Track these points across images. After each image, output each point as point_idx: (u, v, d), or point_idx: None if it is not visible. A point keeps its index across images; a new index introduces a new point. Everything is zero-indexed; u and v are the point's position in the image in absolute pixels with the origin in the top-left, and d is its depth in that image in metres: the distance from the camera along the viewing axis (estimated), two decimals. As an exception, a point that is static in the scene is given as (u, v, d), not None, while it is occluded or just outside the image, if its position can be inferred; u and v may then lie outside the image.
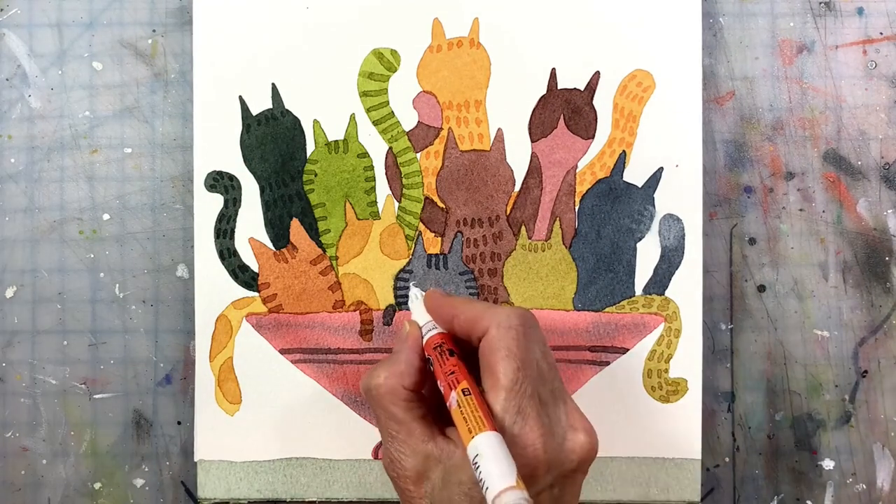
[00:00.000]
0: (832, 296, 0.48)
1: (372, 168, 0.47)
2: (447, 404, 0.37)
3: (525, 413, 0.36)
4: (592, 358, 0.47)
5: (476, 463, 0.33)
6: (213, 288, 0.46)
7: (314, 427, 0.47)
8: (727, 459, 0.48)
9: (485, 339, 0.37)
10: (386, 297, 0.47)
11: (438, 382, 0.38)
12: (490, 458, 0.33)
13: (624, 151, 0.47)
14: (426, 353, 0.39)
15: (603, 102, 0.47)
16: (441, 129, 0.47)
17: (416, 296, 0.42)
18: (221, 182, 0.46)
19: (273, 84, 0.47)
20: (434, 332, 0.40)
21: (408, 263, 0.47)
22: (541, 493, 0.36)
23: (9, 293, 0.47)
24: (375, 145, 0.47)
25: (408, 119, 0.47)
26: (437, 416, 0.39)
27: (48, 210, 0.47)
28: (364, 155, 0.47)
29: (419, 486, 0.37)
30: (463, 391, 0.36)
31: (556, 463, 0.36)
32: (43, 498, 0.48)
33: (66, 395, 0.47)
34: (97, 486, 0.48)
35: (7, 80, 0.47)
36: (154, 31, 0.47)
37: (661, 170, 0.47)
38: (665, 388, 0.47)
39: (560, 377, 0.39)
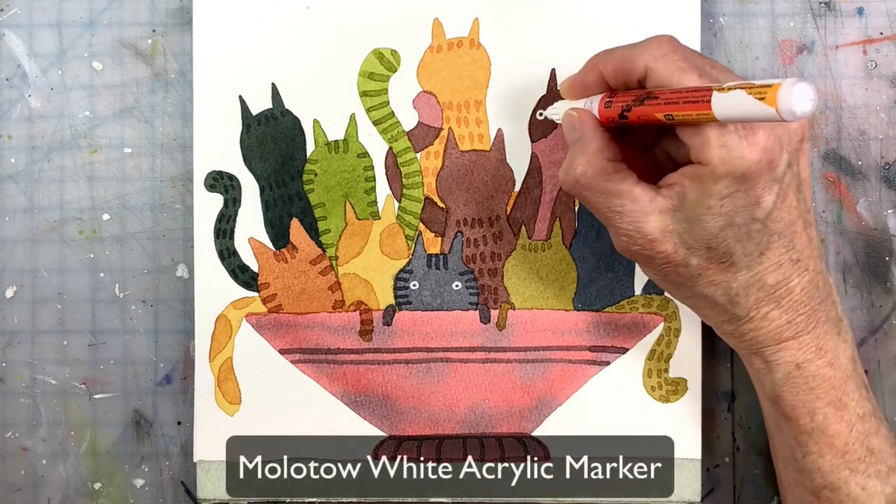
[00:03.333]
0: (832, 296, 0.48)
1: (372, 168, 0.47)
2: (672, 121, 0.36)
3: None
4: (592, 358, 0.47)
5: (734, 105, 0.33)
6: (213, 288, 0.46)
7: (314, 427, 0.47)
8: (727, 459, 0.48)
9: (650, 77, 0.37)
10: (386, 297, 0.47)
11: (645, 117, 0.37)
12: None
13: (624, 151, 0.47)
14: (605, 121, 0.39)
15: (603, 102, 0.47)
16: (441, 129, 0.47)
17: (556, 107, 0.43)
18: (221, 182, 0.46)
19: (273, 84, 0.47)
20: (593, 101, 0.40)
21: (408, 263, 0.47)
22: (785, 174, 0.37)
23: (9, 293, 0.47)
24: (375, 145, 0.47)
25: (408, 119, 0.47)
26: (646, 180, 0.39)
27: (48, 210, 0.47)
28: (364, 155, 0.47)
29: (666, 241, 0.38)
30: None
31: (784, 137, 0.36)
32: (43, 498, 0.48)
33: (66, 395, 0.47)
34: (97, 486, 0.48)
35: (7, 80, 0.47)
36: (154, 31, 0.47)
37: (661, 170, 0.47)
38: (665, 388, 0.47)
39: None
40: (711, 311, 0.40)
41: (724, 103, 0.33)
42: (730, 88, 0.33)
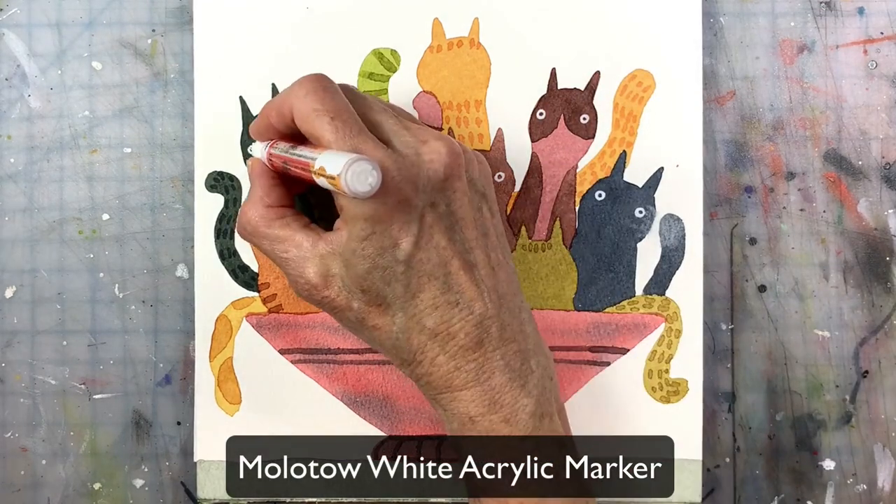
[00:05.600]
0: (833, 296, 0.48)
1: (372, 168, 0.47)
2: (310, 177, 0.36)
3: (358, 145, 0.36)
4: (593, 358, 0.47)
5: (321, 168, 0.34)
6: (213, 288, 0.46)
7: (314, 427, 0.47)
8: (728, 460, 0.48)
9: (296, 118, 0.37)
10: (386, 298, 0.47)
11: (295, 168, 0.37)
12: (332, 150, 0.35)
13: (624, 151, 0.47)
14: (274, 167, 0.40)
15: (603, 102, 0.47)
16: (441, 129, 0.47)
17: (252, 147, 0.43)
18: (222, 182, 0.46)
19: (273, 84, 0.46)
20: (265, 147, 0.40)
21: (408, 263, 0.47)
22: (425, 215, 0.37)
23: (8, 293, 0.47)
24: (375, 145, 0.47)
25: (408, 119, 0.47)
26: (319, 224, 0.39)
27: (48, 210, 0.47)
28: (364, 155, 0.47)
29: (329, 286, 0.38)
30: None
31: (421, 178, 0.36)
32: (43, 498, 0.48)
33: (66, 395, 0.47)
34: (97, 486, 0.48)
35: (6, 80, 0.47)
36: (154, 31, 0.47)
37: (661, 170, 0.47)
38: (666, 389, 0.47)
39: (393, 107, 0.39)
40: (388, 354, 0.39)
41: (321, 182, 0.35)
42: (316, 173, 0.34)
